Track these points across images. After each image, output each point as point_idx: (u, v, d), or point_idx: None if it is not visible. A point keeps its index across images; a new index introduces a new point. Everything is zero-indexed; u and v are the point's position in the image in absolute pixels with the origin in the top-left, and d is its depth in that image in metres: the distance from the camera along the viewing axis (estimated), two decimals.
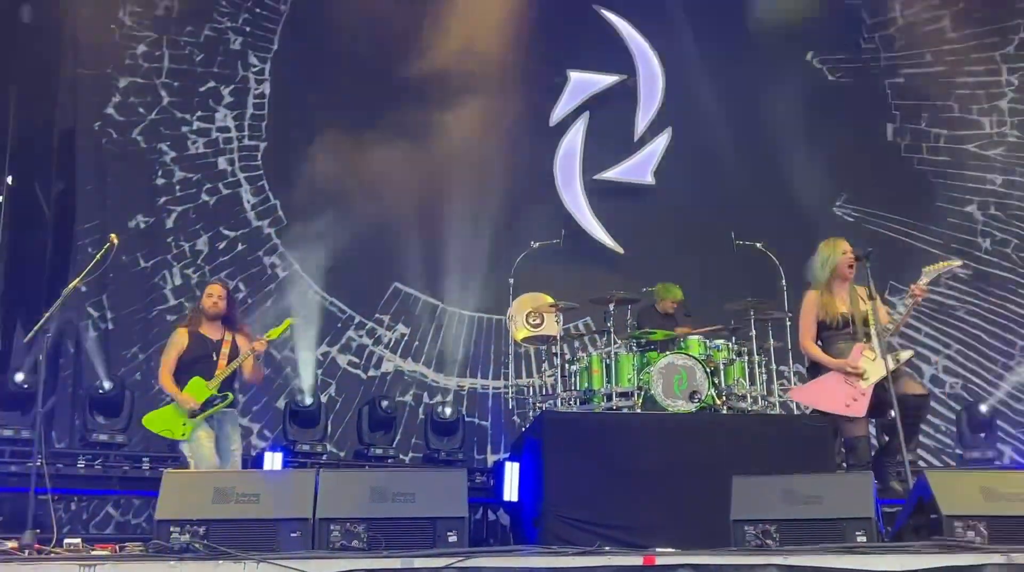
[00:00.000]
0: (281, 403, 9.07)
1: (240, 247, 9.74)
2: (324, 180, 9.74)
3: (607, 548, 4.36)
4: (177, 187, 9.71)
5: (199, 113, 9.94)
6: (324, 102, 9.99)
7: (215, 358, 6.41)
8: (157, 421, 6.33)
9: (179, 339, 6.50)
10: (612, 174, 10.72)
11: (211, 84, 10.03)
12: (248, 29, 10.25)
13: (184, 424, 6.24)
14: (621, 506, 6.13)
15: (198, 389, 6.29)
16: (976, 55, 11.19)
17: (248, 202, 9.90)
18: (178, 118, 9.84)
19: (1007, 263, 10.77)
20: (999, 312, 10.49)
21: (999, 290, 10.60)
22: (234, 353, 6.47)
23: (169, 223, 9.60)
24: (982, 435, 9.16)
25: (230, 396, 6.37)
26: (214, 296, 6.57)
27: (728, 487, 4.75)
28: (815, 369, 6.42)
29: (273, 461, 7.90)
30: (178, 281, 9.49)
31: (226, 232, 9.77)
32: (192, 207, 9.71)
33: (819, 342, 6.40)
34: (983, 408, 9.34)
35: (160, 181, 9.67)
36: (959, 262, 6.98)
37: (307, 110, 10.05)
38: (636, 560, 3.98)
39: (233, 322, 6.66)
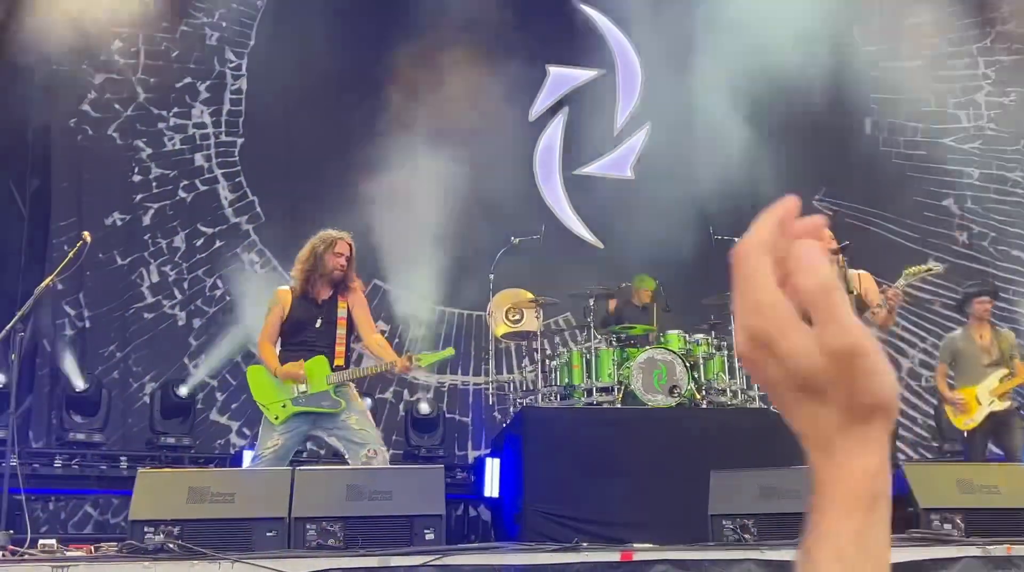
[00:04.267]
0: None
1: (218, 244, 9.66)
2: (302, 176, 9.69)
3: (585, 544, 4.35)
4: (154, 184, 9.63)
5: (175, 109, 9.85)
6: (301, 97, 9.91)
7: (319, 325, 5.23)
8: (263, 384, 5.23)
9: (282, 299, 5.37)
10: (591, 169, 10.71)
11: (187, 80, 9.94)
12: (225, 24, 10.15)
13: (284, 406, 5.11)
14: (601, 501, 6.13)
15: (318, 371, 5.20)
16: (953, 48, 11.22)
17: (226, 198, 9.82)
18: (154, 114, 9.76)
19: (984, 257, 10.83)
20: None
21: None
22: (351, 327, 5.37)
23: (146, 220, 9.53)
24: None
25: (343, 403, 5.17)
26: (343, 256, 5.38)
27: (707, 482, 4.76)
28: None
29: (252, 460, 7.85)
30: (155, 278, 9.42)
31: (204, 229, 9.69)
32: (169, 204, 9.63)
33: None
34: None
35: (136, 178, 9.58)
36: (940, 267, 6.75)
37: (285, 106, 9.96)
38: (614, 556, 3.98)
39: (347, 285, 5.43)
